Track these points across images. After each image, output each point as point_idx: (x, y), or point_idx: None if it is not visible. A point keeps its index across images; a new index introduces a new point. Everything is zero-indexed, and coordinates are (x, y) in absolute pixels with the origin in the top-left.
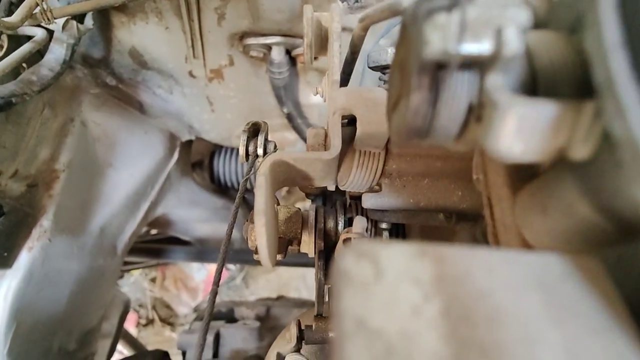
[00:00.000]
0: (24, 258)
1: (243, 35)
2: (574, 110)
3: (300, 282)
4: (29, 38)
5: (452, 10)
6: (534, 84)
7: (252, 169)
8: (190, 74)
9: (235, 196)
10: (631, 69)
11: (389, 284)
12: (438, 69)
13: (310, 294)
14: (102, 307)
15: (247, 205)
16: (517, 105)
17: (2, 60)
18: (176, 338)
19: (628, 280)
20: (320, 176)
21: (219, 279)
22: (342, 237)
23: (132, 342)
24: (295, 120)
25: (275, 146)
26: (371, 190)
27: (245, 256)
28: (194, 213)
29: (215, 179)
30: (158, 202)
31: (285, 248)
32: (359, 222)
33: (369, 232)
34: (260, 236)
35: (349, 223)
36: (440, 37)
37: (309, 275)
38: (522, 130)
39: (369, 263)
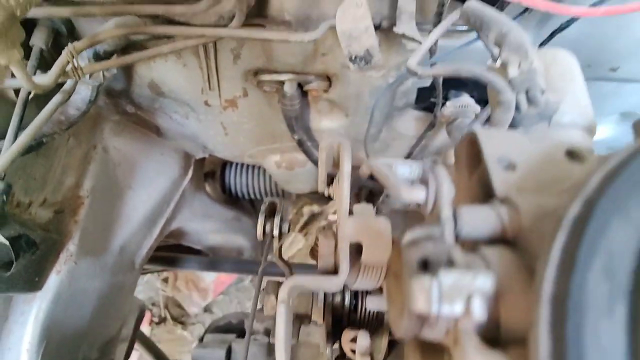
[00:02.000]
0: (53, 281)
1: (257, 72)
2: None
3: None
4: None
5: (434, 275)
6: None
7: (268, 249)
8: (206, 103)
9: (246, 207)
10: None
11: None
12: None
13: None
14: (122, 318)
15: (257, 213)
16: (476, 354)
17: (39, 114)
18: (191, 352)
19: None
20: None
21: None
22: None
23: (144, 340)
24: (305, 144)
25: (289, 226)
26: (376, 289)
27: (255, 267)
28: (207, 225)
29: (226, 189)
30: (173, 218)
31: (297, 330)
32: (363, 340)
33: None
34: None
35: (355, 299)
36: (424, 299)
37: None
38: None
39: None
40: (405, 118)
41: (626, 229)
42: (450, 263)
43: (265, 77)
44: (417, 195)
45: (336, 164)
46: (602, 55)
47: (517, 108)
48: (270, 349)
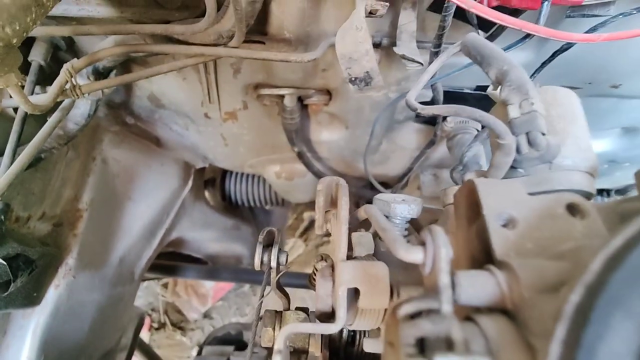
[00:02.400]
0: (51, 295)
1: (257, 86)
2: None
3: (305, 292)
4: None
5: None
6: None
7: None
8: (206, 115)
9: (245, 214)
10: None
11: None
12: None
13: (313, 306)
14: (121, 329)
15: (256, 220)
16: None
17: (38, 133)
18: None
19: None
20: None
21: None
22: None
23: (143, 348)
24: (305, 156)
25: (287, 258)
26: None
27: (253, 276)
28: (206, 234)
29: (226, 197)
30: (173, 227)
31: None
32: None
33: None
34: None
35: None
36: None
37: None
38: None
39: None
40: (406, 131)
41: (628, 327)
42: (448, 342)
43: (265, 91)
44: (414, 257)
45: (334, 202)
46: (604, 73)
47: (518, 150)
48: None
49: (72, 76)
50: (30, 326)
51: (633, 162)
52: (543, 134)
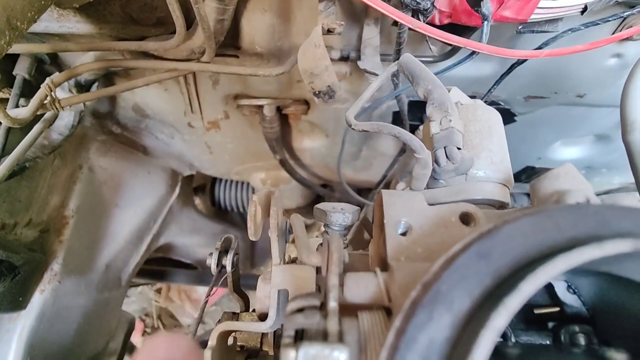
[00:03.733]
0: (37, 300)
1: (236, 96)
2: None
3: None
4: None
5: (299, 348)
6: None
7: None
8: (189, 124)
9: (234, 220)
10: None
11: None
12: None
13: None
14: (108, 334)
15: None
16: None
17: (20, 143)
18: None
19: None
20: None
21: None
22: None
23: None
24: (287, 163)
25: (237, 262)
26: None
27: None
28: (195, 239)
29: (216, 203)
30: (161, 234)
31: None
32: None
33: None
34: None
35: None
36: None
37: None
38: None
39: None
40: (384, 137)
41: (446, 319)
42: (324, 334)
43: (244, 102)
44: (313, 260)
45: (269, 213)
46: (567, 83)
47: (438, 162)
48: None
49: (51, 90)
50: (17, 330)
51: (609, 167)
52: (459, 148)
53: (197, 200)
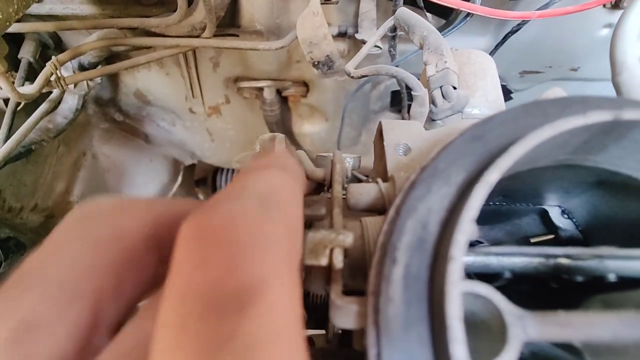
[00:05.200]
0: None
1: (237, 79)
2: None
3: None
4: (44, 94)
5: (305, 236)
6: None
7: None
8: (190, 110)
9: None
10: None
11: None
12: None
13: None
14: None
15: None
16: (336, 298)
17: (26, 122)
18: None
19: None
20: None
21: None
22: None
23: None
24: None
25: None
26: None
27: None
28: None
29: None
30: None
31: None
32: None
33: None
34: None
35: None
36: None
37: None
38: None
39: None
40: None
41: (445, 191)
42: (330, 226)
43: (245, 84)
44: (317, 174)
45: None
46: (561, 56)
47: (434, 102)
48: None
49: (57, 68)
50: None
51: None
52: (454, 88)
53: (199, 194)
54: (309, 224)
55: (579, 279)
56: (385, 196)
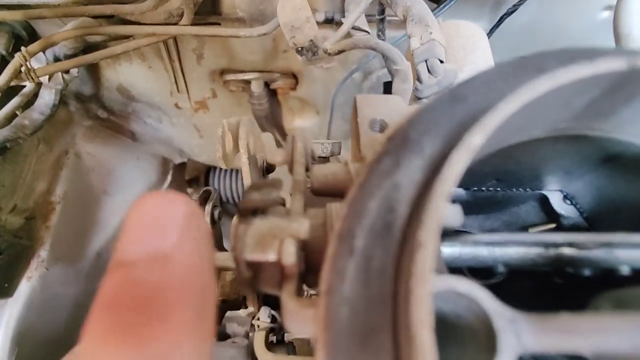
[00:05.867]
0: (24, 287)
1: (223, 72)
2: None
3: None
4: (17, 88)
5: (249, 222)
6: None
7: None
8: (176, 105)
9: (230, 210)
10: None
11: None
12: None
13: None
14: None
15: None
16: (288, 301)
17: None
18: None
19: None
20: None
21: None
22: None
23: None
24: (278, 144)
25: (220, 214)
26: None
27: None
28: None
29: None
30: None
31: (223, 314)
32: (264, 312)
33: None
34: None
35: None
36: (239, 245)
37: None
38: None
39: None
40: None
41: (416, 162)
42: (287, 212)
43: (231, 77)
44: (277, 157)
45: (237, 146)
46: (557, 40)
47: (420, 79)
48: (248, 352)
49: (26, 60)
50: (4, 318)
51: None
52: (441, 61)
53: (191, 193)
54: (261, 212)
55: (586, 272)
56: (355, 178)
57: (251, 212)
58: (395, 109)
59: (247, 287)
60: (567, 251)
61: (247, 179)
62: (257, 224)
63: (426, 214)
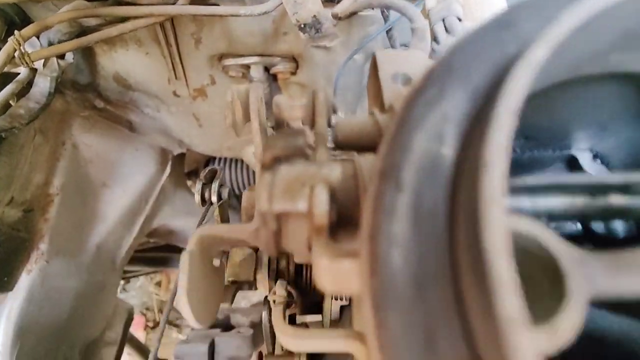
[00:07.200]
0: (24, 280)
1: (221, 57)
2: None
3: None
4: (11, 75)
5: (275, 171)
6: None
7: (206, 216)
8: (174, 93)
9: (231, 202)
10: None
11: None
12: None
13: None
14: (104, 319)
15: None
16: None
17: None
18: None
19: None
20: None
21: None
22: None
23: (138, 346)
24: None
25: (228, 193)
26: None
27: None
28: (191, 222)
29: None
30: (154, 215)
31: (234, 294)
32: (280, 286)
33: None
34: (185, 311)
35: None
36: (265, 197)
37: None
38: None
39: None
40: None
41: (462, 93)
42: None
43: (230, 62)
44: (296, 112)
45: (247, 115)
46: None
47: (436, 39)
48: (254, 341)
49: (20, 44)
50: (4, 312)
51: None
52: (459, 20)
53: (191, 186)
54: (286, 160)
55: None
56: (383, 130)
57: (275, 161)
58: (417, 63)
59: (270, 247)
60: (617, 201)
61: (257, 142)
62: (283, 171)
63: (492, 129)
